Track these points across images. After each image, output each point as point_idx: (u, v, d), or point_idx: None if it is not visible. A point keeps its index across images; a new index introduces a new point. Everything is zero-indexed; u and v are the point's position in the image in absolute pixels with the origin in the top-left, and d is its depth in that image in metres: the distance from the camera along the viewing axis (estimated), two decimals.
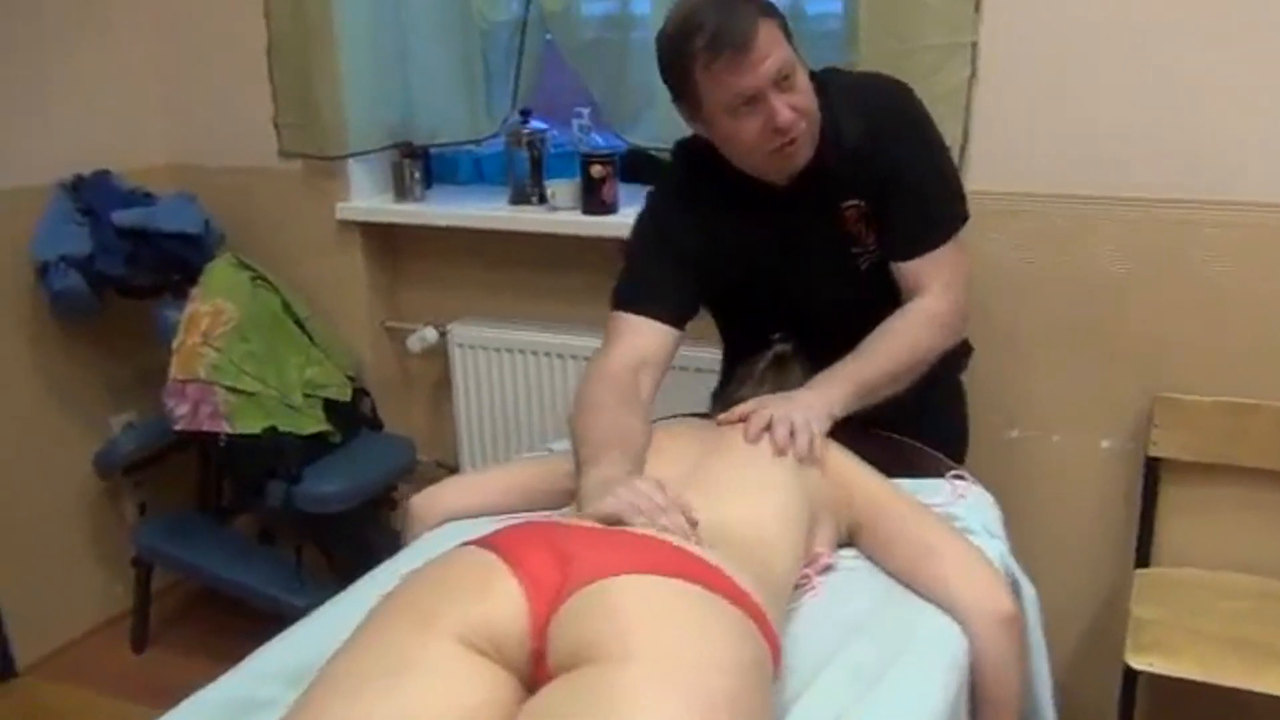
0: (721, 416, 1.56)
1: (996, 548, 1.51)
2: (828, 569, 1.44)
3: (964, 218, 1.72)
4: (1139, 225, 2.06)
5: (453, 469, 2.88)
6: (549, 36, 2.43)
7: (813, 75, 1.63)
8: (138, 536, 2.75)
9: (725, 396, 1.72)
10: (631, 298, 1.71)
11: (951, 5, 2.04)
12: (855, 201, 1.67)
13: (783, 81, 1.52)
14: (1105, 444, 2.21)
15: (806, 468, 1.45)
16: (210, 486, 2.85)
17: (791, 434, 1.46)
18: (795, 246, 1.72)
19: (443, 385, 2.90)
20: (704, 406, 1.84)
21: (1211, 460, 2.10)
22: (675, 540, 1.18)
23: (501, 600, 1.11)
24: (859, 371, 1.60)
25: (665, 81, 1.62)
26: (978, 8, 2.04)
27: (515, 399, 2.71)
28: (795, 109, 1.54)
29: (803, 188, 1.66)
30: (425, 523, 1.60)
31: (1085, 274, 2.13)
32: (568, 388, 2.64)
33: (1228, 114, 1.96)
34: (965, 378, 1.95)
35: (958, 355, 1.88)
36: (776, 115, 1.52)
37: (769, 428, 1.48)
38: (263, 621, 2.74)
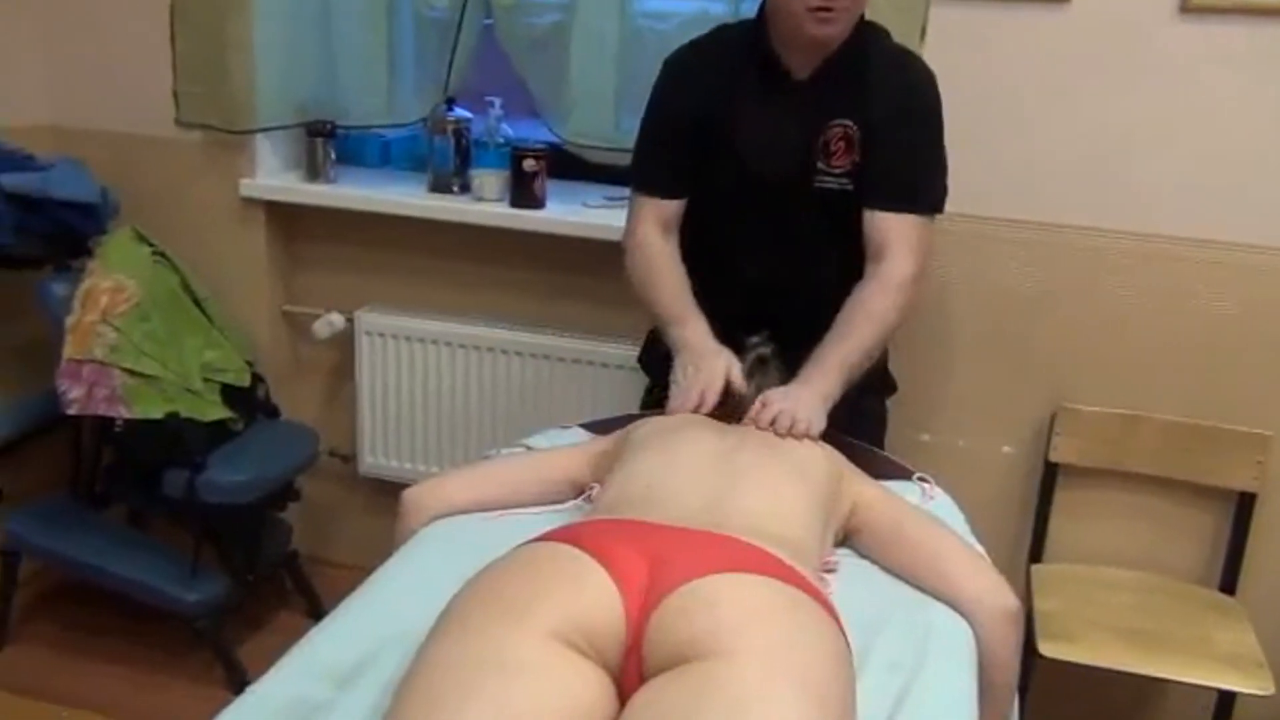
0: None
1: (976, 545, 1.62)
2: (832, 569, 1.50)
3: (941, 208, 1.83)
4: (1053, 249, 2.24)
5: (348, 458, 2.81)
6: (488, 21, 2.40)
7: (869, 22, 1.80)
8: (7, 525, 2.53)
9: None
10: (641, 180, 1.93)
11: (901, 33, 2.15)
12: (846, 121, 1.77)
13: None
14: (1006, 449, 2.39)
15: (817, 475, 1.52)
16: (83, 473, 2.66)
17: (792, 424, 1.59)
18: (771, 138, 1.81)
19: (338, 373, 2.81)
20: None
21: (1102, 465, 2.31)
22: (745, 539, 1.22)
23: (597, 596, 1.12)
24: (844, 356, 1.71)
25: None
26: (923, 36, 2.17)
27: (425, 390, 2.66)
28: None
29: (807, 85, 1.78)
30: (428, 514, 1.56)
31: (1000, 291, 2.29)
32: (481, 381, 2.62)
33: (1140, 155, 2.16)
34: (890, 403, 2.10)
35: (888, 388, 2.07)
36: None
37: (775, 421, 1.59)
38: (137, 617, 2.59)
